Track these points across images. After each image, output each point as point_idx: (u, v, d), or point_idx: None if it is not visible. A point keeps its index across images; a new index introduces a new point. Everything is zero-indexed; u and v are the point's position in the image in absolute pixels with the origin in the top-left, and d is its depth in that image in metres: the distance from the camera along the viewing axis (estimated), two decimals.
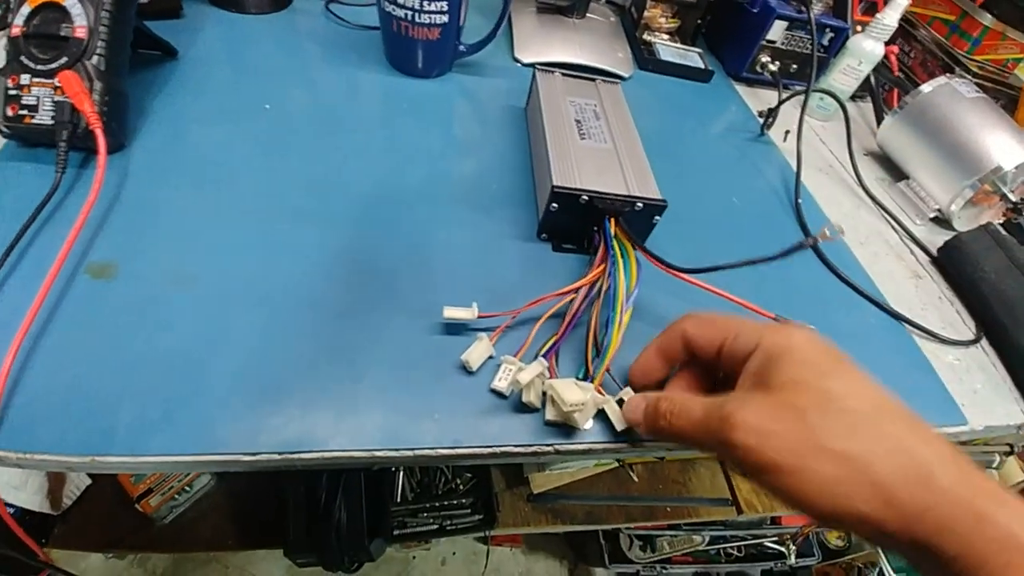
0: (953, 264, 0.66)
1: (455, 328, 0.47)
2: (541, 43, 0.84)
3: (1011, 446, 0.92)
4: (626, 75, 0.85)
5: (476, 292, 0.49)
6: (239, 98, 0.64)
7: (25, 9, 0.50)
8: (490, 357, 0.46)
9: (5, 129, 0.51)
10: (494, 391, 0.44)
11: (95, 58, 0.50)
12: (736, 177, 0.73)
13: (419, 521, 1.11)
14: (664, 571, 1.42)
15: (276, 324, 0.45)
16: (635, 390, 0.44)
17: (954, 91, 0.75)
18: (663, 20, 0.94)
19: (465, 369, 0.45)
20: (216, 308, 0.45)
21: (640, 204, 0.52)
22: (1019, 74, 0.86)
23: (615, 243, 0.50)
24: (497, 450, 0.42)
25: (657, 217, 0.54)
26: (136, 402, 0.39)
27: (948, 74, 0.78)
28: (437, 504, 1.11)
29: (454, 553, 1.58)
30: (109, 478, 0.99)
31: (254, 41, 0.74)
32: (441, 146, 0.66)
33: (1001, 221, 0.70)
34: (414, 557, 1.56)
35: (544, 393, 0.43)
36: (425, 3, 0.64)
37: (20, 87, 0.50)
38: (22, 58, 0.50)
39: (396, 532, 1.10)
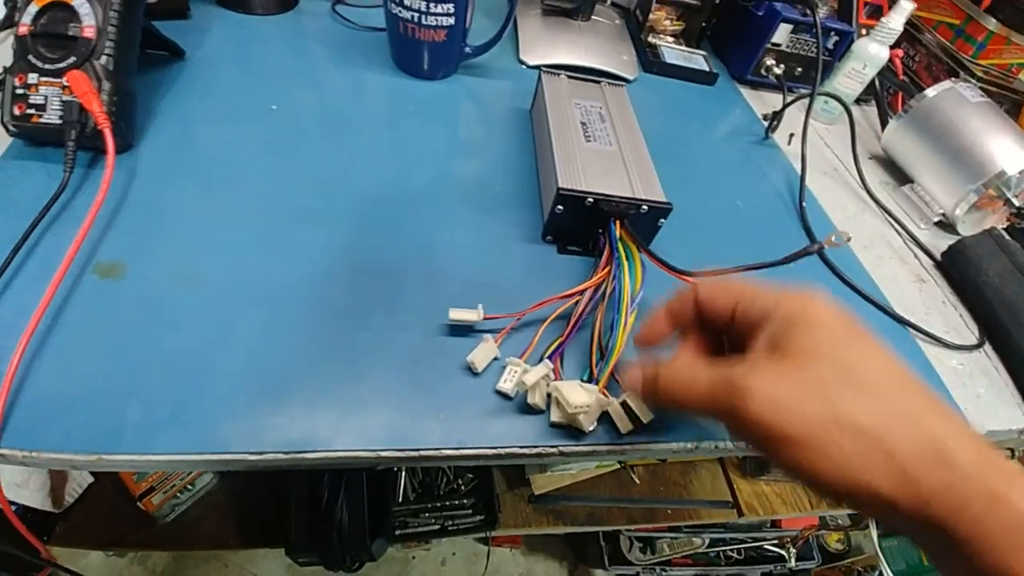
0: (957, 268, 0.66)
1: (460, 329, 0.48)
2: (546, 45, 0.84)
3: (1012, 451, 0.92)
4: (631, 77, 0.85)
5: (481, 293, 0.49)
6: (246, 99, 0.64)
7: (32, 8, 0.50)
8: (495, 358, 0.46)
9: (12, 128, 0.51)
10: (499, 392, 0.44)
11: (104, 58, 0.50)
12: (740, 180, 0.74)
13: (421, 521, 1.11)
14: (664, 573, 1.42)
15: (282, 324, 0.45)
16: (640, 352, 0.43)
17: (959, 95, 0.75)
18: (668, 23, 0.94)
19: (470, 370, 0.45)
20: (222, 308, 0.45)
21: (645, 207, 0.52)
22: (1023, 79, 0.86)
23: (620, 246, 0.50)
24: (502, 451, 0.42)
25: (662, 220, 0.54)
26: (142, 401, 0.39)
27: (953, 78, 0.78)
28: (439, 504, 1.11)
29: (454, 553, 1.58)
30: (111, 476, 1.00)
31: (261, 42, 0.74)
32: (447, 147, 0.66)
33: (1005, 226, 0.70)
34: (414, 557, 1.56)
35: (549, 395, 0.44)
36: (432, 5, 0.64)
37: (27, 86, 0.50)
38: (29, 57, 0.50)
39: (398, 532, 1.10)
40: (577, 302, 0.48)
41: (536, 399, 0.43)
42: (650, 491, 1.21)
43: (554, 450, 0.43)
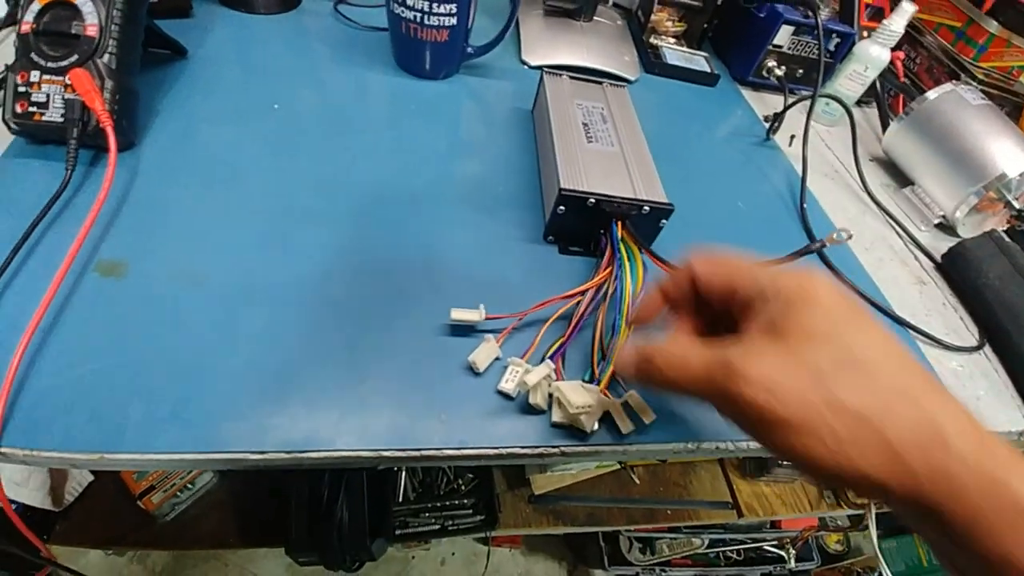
0: (957, 270, 0.67)
1: (462, 329, 0.48)
2: (548, 46, 0.84)
3: None
4: (632, 78, 0.85)
5: (482, 293, 0.49)
6: (248, 98, 0.64)
7: (35, 6, 0.50)
8: (497, 358, 0.46)
9: (14, 126, 0.51)
10: (500, 392, 0.44)
11: (106, 56, 0.50)
12: (742, 181, 0.74)
13: (421, 521, 1.11)
14: (663, 574, 1.42)
15: (283, 323, 0.45)
16: (634, 331, 0.42)
17: (960, 98, 0.75)
18: (670, 24, 0.94)
19: (472, 370, 0.45)
20: (224, 307, 0.45)
21: (647, 208, 0.52)
22: None
23: (622, 246, 0.50)
24: (503, 451, 0.42)
25: (664, 221, 0.54)
26: (144, 400, 0.39)
27: (954, 81, 0.78)
28: (439, 504, 1.11)
29: (453, 553, 1.58)
30: (111, 475, 0.99)
31: (263, 41, 0.74)
32: (448, 147, 0.66)
33: (1005, 228, 0.70)
34: (413, 557, 1.56)
35: (551, 395, 0.44)
36: (434, 5, 0.65)
37: (29, 84, 0.50)
38: (32, 55, 0.50)
39: (398, 532, 1.10)
40: (579, 303, 0.48)
41: (538, 399, 0.43)
42: (650, 491, 1.21)
43: (556, 450, 0.43)
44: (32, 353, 0.39)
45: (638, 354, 0.34)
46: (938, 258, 0.69)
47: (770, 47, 0.87)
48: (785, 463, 1.15)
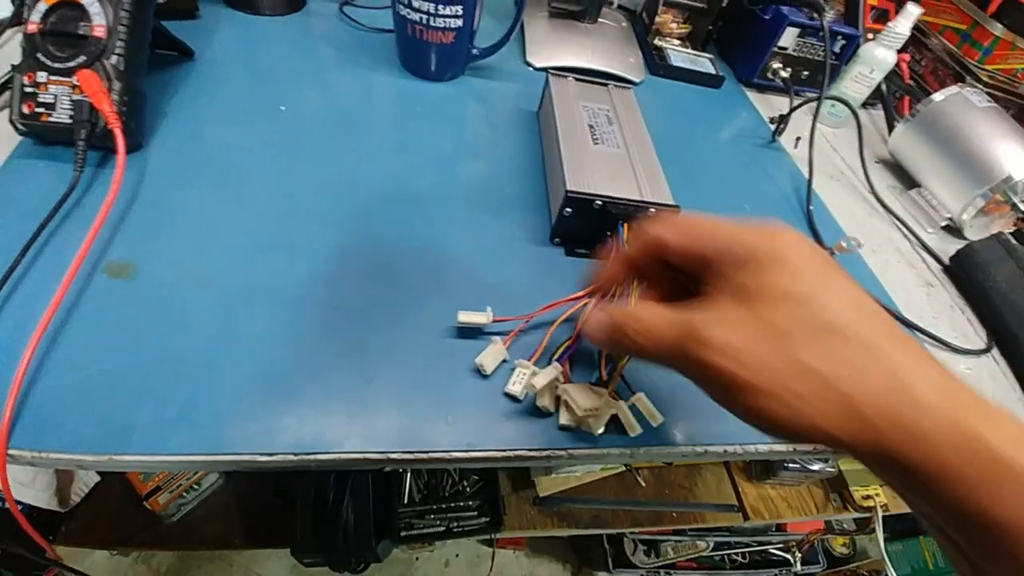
0: (964, 273, 0.66)
1: (468, 331, 0.48)
2: (553, 48, 0.84)
3: None
4: (637, 80, 0.85)
5: (489, 295, 0.49)
6: (254, 99, 0.64)
7: (42, 6, 0.50)
8: (504, 361, 0.46)
9: (21, 126, 0.51)
10: (508, 395, 0.44)
11: (114, 57, 0.50)
12: (747, 183, 0.74)
13: (426, 523, 1.11)
14: None
15: (290, 325, 0.45)
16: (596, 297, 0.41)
17: (966, 100, 0.75)
18: (674, 26, 0.94)
19: (479, 372, 0.45)
20: (232, 308, 0.45)
21: (653, 210, 0.52)
22: None
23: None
24: (511, 454, 0.42)
25: None
26: (152, 401, 0.39)
27: (960, 83, 0.78)
28: (444, 506, 1.11)
29: (457, 555, 1.58)
30: (118, 476, 1.00)
31: (269, 43, 0.74)
32: (454, 149, 0.66)
33: (1012, 230, 0.70)
34: (417, 558, 1.56)
35: (558, 398, 0.44)
36: (440, 7, 0.65)
37: (36, 85, 0.50)
38: (39, 55, 0.50)
39: (403, 533, 1.10)
40: (585, 305, 0.48)
41: (545, 402, 0.43)
42: (655, 494, 1.21)
43: (563, 453, 0.43)
44: (41, 354, 0.39)
45: (609, 320, 0.33)
46: (945, 260, 0.69)
47: (775, 49, 0.87)
48: (791, 465, 1.15)
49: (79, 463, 0.37)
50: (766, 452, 0.47)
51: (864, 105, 0.90)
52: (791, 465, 1.14)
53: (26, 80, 0.50)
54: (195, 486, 1.03)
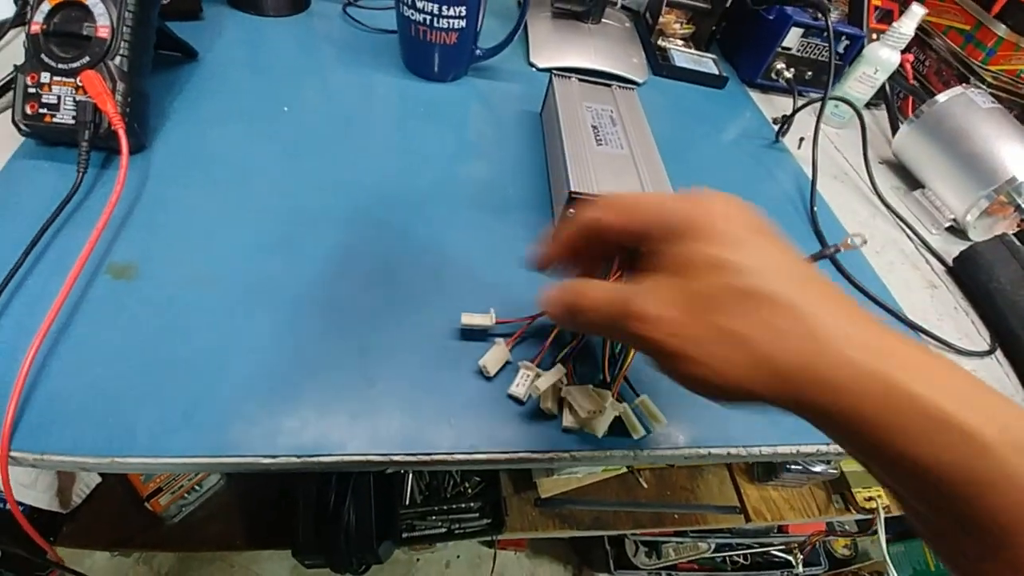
0: (968, 274, 0.66)
1: (471, 332, 0.47)
2: (556, 48, 0.84)
3: None
4: (640, 81, 0.85)
5: (492, 296, 0.49)
6: (258, 100, 0.64)
7: (45, 6, 0.50)
8: (507, 362, 0.46)
9: (24, 127, 0.51)
10: (511, 397, 0.44)
11: (118, 58, 0.50)
12: (751, 184, 0.73)
13: (428, 524, 1.11)
14: None
15: (293, 326, 0.45)
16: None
17: (970, 101, 0.75)
18: (678, 26, 0.94)
19: (482, 374, 0.45)
20: (234, 310, 0.45)
21: None
22: None
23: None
24: (514, 456, 0.42)
25: None
26: (155, 403, 0.39)
27: (964, 84, 0.78)
28: (446, 507, 1.11)
29: (458, 556, 1.58)
30: (119, 477, 0.99)
31: (273, 43, 0.74)
32: (457, 150, 0.66)
33: (1016, 231, 0.70)
34: (418, 560, 1.56)
35: (561, 400, 0.43)
36: (444, 8, 0.65)
37: (40, 85, 0.50)
38: (42, 56, 0.50)
39: (404, 535, 1.09)
40: None
41: (549, 404, 0.43)
42: (657, 495, 1.20)
43: (566, 455, 0.43)
44: (43, 356, 0.39)
45: (560, 296, 0.34)
46: (949, 262, 0.69)
47: (779, 49, 0.87)
48: (793, 467, 1.15)
49: (82, 465, 0.37)
50: (769, 454, 0.47)
51: (868, 106, 0.90)
52: (793, 467, 1.14)
53: (29, 81, 0.50)
54: (196, 487, 1.03)
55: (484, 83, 0.77)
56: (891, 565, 1.16)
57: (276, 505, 1.06)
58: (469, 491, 1.14)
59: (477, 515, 1.12)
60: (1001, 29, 0.85)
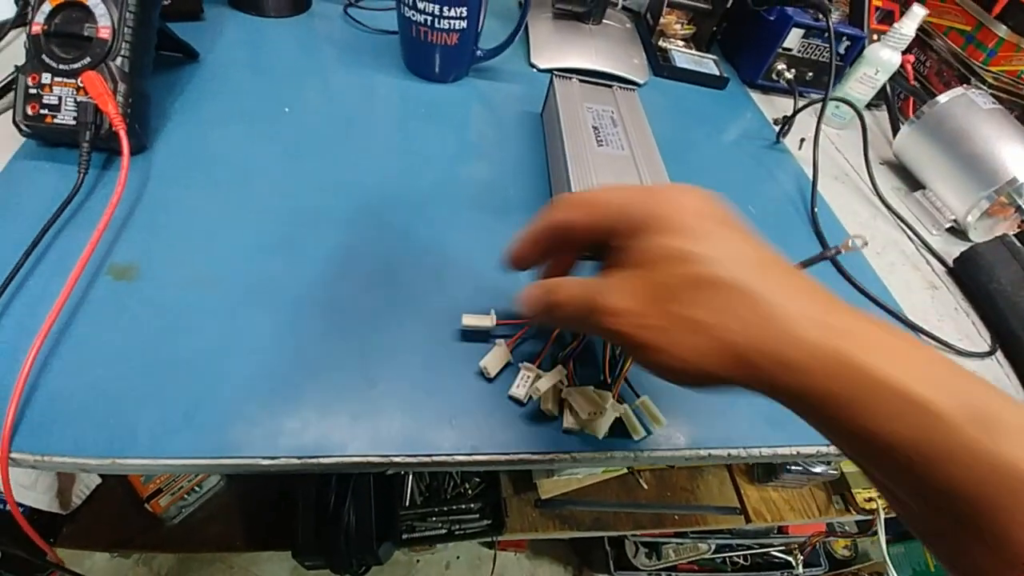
0: (969, 275, 0.66)
1: (472, 334, 0.47)
2: (557, 49, 0.84)
3: None
4: (641, 81, 0.85)
5: (493, 298, 0.49)
6: (259, 101, 0.64)
7: (46, 7, 0.50)
8: (508, 364, 0.46)
9: (25, 128, 0.50)
10: (512, 398, 0.44)
11: (119, 59, 0.50)
12: (752, 185, 0.73)
13: (428, 525, 1.11)
14: None
15: (294, 327, 0.45)
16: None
17: (971, 102, 0.75)
18: (679, 27, 0.94)
19: (483, 375, 0.45)
20: (235, 310, 0.45)
21: None
22: None
23: None
24: (515, 457, 0.42)
25: None
26: (156, 404, 0.39)
27: (965, 85, 0.78)
28: (446, 508, 1.11)
29: (458, 557, 1.58)
30: (119, 478, 0.99)
31: (274, 44, 0.74)
32: (458, 150, 0.66)
33: (1016, 232, 0.70)
34: (418, 561, 1.55)
35: (562, 401, 0.43)
36: (445, 8, 0.65)
37: (41, 86, 0.50)
38: (43, 56, 0.50)
39: (405, 536, 1.09)
40: None
41: (549, 405, 0.43)
42: (657, 496, 1.20)
43: (567, 456, 0.43)
44: (44, 357, 0.39)
45: (534, 293, 0.35)
46: (950, 262, 0.69)
47: (780, 50, 0.87)
48: (793, 468, 1.15)
49: (83, 466, 0.37)
50: (769, 455, 0.47)
51: (869, 106, 0.90)
52: (793, 467, 1.14)
53: (30, 81, 0.50)
54: (196, 488, 1.03)
55: (485, 84, 0.77)
56: (891, 566, 1.16)
57: (276, 506, 1.06)
58: (469, 492, 1.14)
59: (477, 516, 1.12)
60: (1002, 30, 0.85)
